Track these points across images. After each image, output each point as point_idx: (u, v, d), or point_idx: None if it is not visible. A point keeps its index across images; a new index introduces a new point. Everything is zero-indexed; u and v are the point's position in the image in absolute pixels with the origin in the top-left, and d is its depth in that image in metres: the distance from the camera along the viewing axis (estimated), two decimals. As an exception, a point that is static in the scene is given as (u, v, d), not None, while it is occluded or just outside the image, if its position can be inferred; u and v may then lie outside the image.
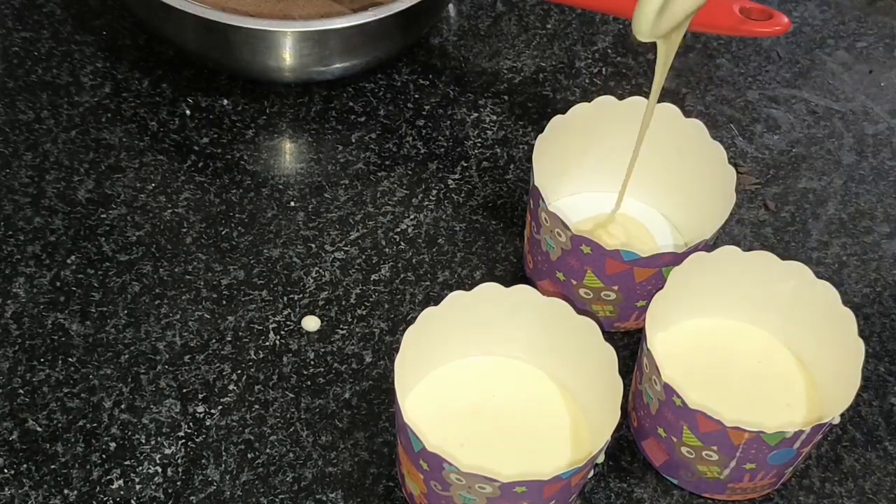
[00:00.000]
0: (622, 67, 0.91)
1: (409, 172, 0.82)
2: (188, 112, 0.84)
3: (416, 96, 0.87)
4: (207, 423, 0.68)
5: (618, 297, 0.72)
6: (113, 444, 0.67)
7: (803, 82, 0.92)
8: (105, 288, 0.74)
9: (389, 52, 0.86)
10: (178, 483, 0.66)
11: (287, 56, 0.80)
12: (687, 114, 0.75)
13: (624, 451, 0.70)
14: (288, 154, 0.83)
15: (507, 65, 0.91)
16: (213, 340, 0.72)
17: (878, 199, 0.85)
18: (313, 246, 0.77)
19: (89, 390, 0.69)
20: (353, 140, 0.84)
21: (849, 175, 0.86)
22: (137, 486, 0.65)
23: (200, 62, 0.86)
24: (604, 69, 0.91)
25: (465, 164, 0.83)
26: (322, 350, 0.72)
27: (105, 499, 0.65)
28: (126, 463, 0.66)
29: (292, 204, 0.80)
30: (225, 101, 0.85)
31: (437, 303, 0.65)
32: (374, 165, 0.82)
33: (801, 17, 0.98)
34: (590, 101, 0.74)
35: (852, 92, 0.92)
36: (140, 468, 0.66)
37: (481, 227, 0.80)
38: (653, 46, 0.68)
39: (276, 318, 0.73)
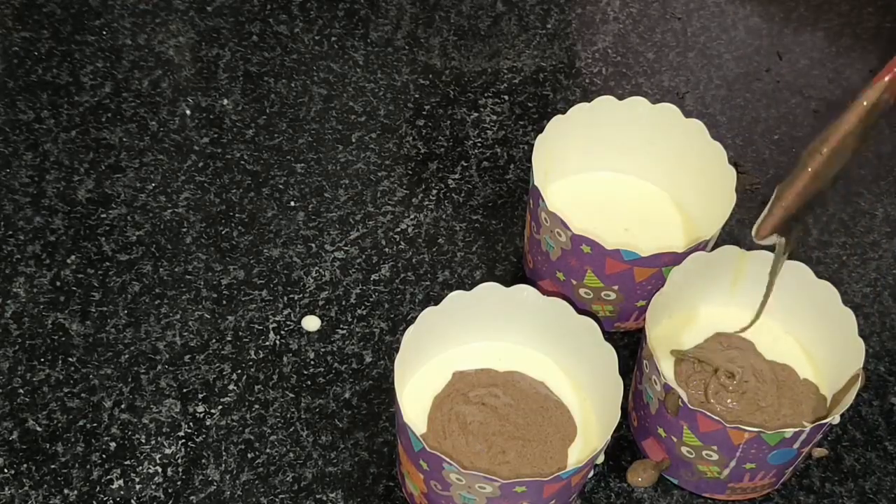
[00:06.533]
0: (622, 67, 0.91)
1: (409, 172, 0.82)
2: (188, 112, 0.84)
3: (416, 96, 0.87)
4: (207, 423, 0.68)
5: (618, 296, 0.72)
6: (113, 444, 0.67)
7: (805, 82, 0.92)
8: (105, 288, 0.74)
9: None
10: (178, 483, 0.66)
11: None
12: (687, 114, 0.75)
13: (624, 451, 0.70)
14: (288, 153, 0.83)
15: (507, 65, 0.90)
16: (213, 340, 0.72)
17: (877, 199, 0.85)
18: (313, 246, 0.77)
19: (89, 390, 0.69)
20: (353, 140, 0.84)
21: (849, 175, 0.86)
22: (137, 486, 0.65)
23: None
24: (604, 69, 0.91)
25: (465, 164, 0.83)
26: (322, 350, 0.72)
27: (105, 499, 0.65)
28: (126, 463, 0.66)
29: (292, 204, 0.80)
30: (225, 101, 0.85)
31: (437, 303, 0.65)
32: (374, 165, 0.82)
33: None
34: (590, 101, 0.74)
35: (854, 91, 0.92)
36: (140, 468, 0.66)
37: (481, 227, 0.80)
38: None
39: (276, 318, 0.73)
